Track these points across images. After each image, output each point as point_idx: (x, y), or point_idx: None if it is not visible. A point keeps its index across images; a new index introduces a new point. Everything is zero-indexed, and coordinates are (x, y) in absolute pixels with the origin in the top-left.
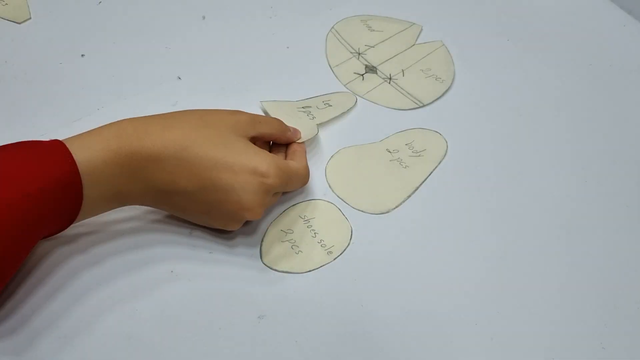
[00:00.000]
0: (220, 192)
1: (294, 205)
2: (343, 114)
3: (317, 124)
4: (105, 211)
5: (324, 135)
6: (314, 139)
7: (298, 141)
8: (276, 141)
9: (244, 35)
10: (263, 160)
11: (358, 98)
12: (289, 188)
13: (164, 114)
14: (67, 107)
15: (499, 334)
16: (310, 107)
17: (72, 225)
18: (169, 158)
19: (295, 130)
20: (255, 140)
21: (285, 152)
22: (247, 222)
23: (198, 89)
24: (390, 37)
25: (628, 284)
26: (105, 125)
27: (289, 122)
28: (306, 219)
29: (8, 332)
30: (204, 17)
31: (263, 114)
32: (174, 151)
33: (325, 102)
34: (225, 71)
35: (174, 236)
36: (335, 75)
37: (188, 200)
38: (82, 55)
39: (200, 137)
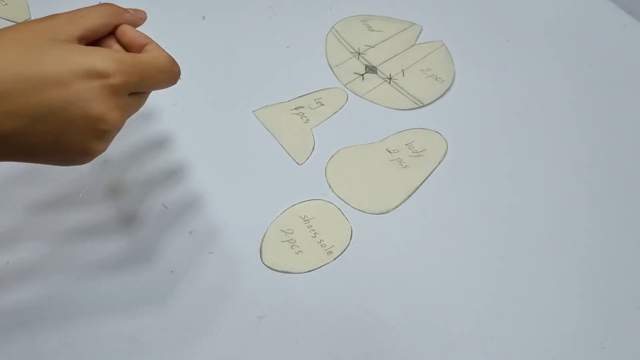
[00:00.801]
0: (58, 114)
1: (294, 205)
2: (335, 112)
3: (311, 128)
4: None
5: (324, 135)
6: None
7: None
8: (116, 33)
9: (244, 35)
10: (96, 58)
11: (358, 98)
12: (151, 83)
13: None
14: None
15: (499, 334)
16: (302, 107)
17: (72, 224)
18: None
19: (138, 10)
20: (87, 41)
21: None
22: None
23: (198, 89)
24: (390, 37)
25: (628, 284)
26: None
27: (282, 130)
28: (306, 219)
29: (7, 333)
30: (204, 17)
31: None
32: None
33: (317, 101)
34: (225, 71)
35: (174, 236)
36: (335, 75)
37: (28, 138)
38: None
39: (8, 58)
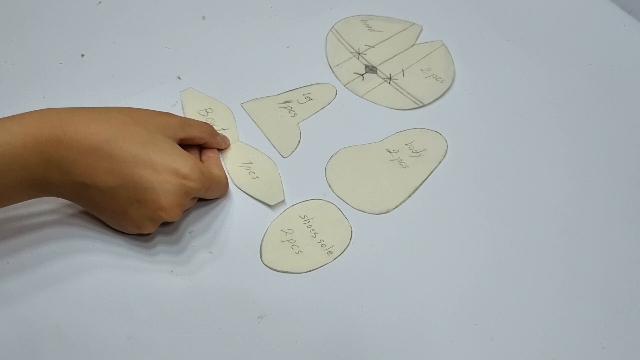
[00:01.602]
0: (139, 190)
1: (293, 205)
2: (323, 107)
3: (298, 122)
4: (23, 200)
5: (324, 135)
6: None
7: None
8: (205, 145)
9: (244, 35)
10: (186, 163)
11: (358, 98)
12: (209, 195)
13: (91, 107)
14: (67, 107)
15: (499, 334)
16: (291, 101)
17: (72, 224)
18: (91, 150)
19: (224, 137)
20: (184, 143)
21: (200, 158)
22: (165, 224)
23: (198, 89)
24: (390, 37)
25: (628, 284)
26: (29, 111)
27: (269, 123)
28: (306, 219)
29: (5, 332)
30: (204, 17)
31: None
32: (97, 143)
33: (306, 96)
34: (225, 71)
35: (174, 236)
36: (335, 75)
37: (106, 196)
38: (82, 55)
39: (126, 133)
